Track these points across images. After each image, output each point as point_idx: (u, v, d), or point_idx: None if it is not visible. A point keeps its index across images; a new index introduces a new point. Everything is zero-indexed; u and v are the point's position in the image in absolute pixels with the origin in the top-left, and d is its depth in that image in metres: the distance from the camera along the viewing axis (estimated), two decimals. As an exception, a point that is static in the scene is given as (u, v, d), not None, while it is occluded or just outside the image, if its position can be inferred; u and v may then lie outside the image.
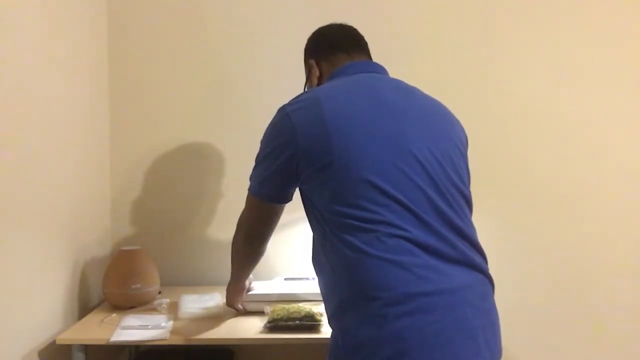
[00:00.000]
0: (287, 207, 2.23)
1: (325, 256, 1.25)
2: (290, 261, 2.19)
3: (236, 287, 1.74)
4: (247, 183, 1.44)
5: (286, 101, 1.35)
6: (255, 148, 1.40)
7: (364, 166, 1.20)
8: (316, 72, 1.52)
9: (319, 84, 1.50)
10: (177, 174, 2.24)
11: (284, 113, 1.32)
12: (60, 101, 1.81)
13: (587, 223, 2.23)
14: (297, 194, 2.33)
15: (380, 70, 1.46)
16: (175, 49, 2.22)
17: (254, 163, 1.41)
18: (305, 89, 1.58)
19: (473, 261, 1.21)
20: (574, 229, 2.22)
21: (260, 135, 1.40)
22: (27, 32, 1.60)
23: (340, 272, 1.19)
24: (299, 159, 1.27)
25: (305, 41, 1.59)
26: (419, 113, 1.30)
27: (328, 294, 1.26)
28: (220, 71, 2.22)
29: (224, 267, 2.21)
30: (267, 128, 1.37)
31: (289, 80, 2.15)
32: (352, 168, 1.20)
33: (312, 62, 1.53)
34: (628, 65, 2.22)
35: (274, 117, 1.36)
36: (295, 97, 1.35)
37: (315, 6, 2.19)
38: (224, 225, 2.23)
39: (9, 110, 1.50)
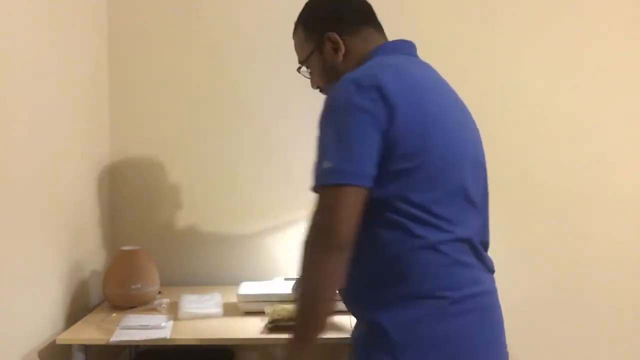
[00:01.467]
0: (286, 206, 2.25)
1: (377, 244, 1.14)
2: (291, 261, 2.18)
3: (309, 349, 1.14)
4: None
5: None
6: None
7: (453, 163, 1.16)
8: (342, 48, 1.30)
9: (344, 63, 1.30)
10: (177, 174, 2.23)
11: (367, 73, 1.14)
12: (60, 101, 1.81)
13: (588, 222, 2.22)
14: (297, 193, 2.31)
15: (416, 53, 1.33)
16: (175, 49, 2.22)
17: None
18: (302, 68, 1.40)
19: (490, 263, 1.27)
20: (575, 228, 2.22)
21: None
22: (27, 32, 1.60)
23: (401, 264, 1.13)
24: (394, 132, 1.10)
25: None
26: (467, 114, 1.29)
27: (370, 284, 1.16)
28: (220, 71, 2.22)
29: (224, 267, 2.22)
30: (339, 95, 1.14)
31: (289, 80, 2.14)
32: (444, 162, 1.15)
33: (334, 36, 1.30)
34: (632, 64, 2.21)
35: (351, 81, 1.14)
36: (364, 66, 1.20)
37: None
38: (224, 226, 2.23)
39: (9, 111, 1.50)
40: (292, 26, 1.37)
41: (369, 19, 1.33)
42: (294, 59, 1.39)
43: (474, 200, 1.20)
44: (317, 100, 2.16)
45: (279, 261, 2.20)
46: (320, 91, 1.40)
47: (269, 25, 2.20)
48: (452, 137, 1.18)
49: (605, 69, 2.21)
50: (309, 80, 1.42)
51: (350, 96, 1.12)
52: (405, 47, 1.31)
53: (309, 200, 2.13)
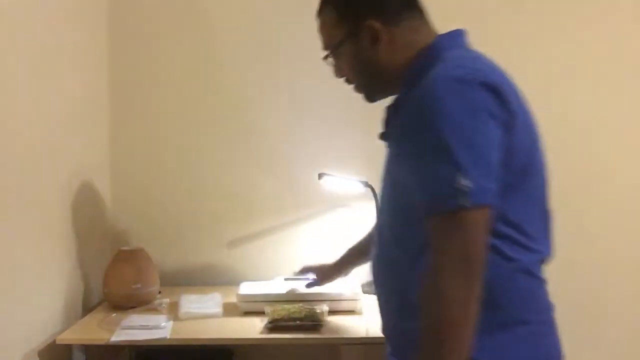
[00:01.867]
0: (287, 207, 2.26)
1: None
2: (290, 261, 2.18)
3: None
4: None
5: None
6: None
7: (544, 176, 1.09)
8: (383, 39, 1.09)
9: (386, 56, 1.11)
10: (177, 173, 2.23)
11: (473, 68, 0.99)
12: (60, 101, 1.81)
13: (589, 222, 2.22)
14: (297, 193, 2.30)
15: None
16: (175, 48, 2.22)
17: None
18: (332, 58, 1.19)
19: None
20: (576, 229, 2.21)
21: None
22: (27, 32, 1.60)
23: (495, 290, 0.98)
24: (514, 142, 0.97)
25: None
26: None
27: None
28: (220, 71, 2.21)
29: (224, 267, 2.22)
30: (451, 95, 0.94)
31: (289, 79, 2.15)
32: (541, 175, 1.07)
33: (375, 24, 1.09)
34: (633, 66, 2.21)
35: (458, 79, 0.96)
36: (451, 61, 1.02)
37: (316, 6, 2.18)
38: (224, 226, 2.22)
39: (9, 110, 1.50)
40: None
41: (414, 2, 1.13)
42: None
43: (549, 212, 1.12)
44: (318, 102, 2.17)
45: (279, 261, 2.19)
46: (347, 82, 1.23)
47: (269, 24, 2.20)
48: (541, 146, 1.08)
49: (604, 70, 2.21)
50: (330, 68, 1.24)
51: (468, 96, 0.94)
52: (467, 38, 1.13)
53: (308, 200, 2.15)
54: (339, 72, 1.21)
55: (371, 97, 1.22)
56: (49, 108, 1.72)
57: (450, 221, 0.91)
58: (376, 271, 1.18)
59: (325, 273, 1.76)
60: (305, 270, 1.82)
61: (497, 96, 0.95)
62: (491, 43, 2.20)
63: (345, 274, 1.75)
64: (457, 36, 1.12)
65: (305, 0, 2.17)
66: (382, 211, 1.18)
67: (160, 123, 2.23)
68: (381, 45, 1.10)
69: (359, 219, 2.17)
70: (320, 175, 2.01)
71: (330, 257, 1.78)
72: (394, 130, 1.12)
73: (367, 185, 2.02)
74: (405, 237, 1.06)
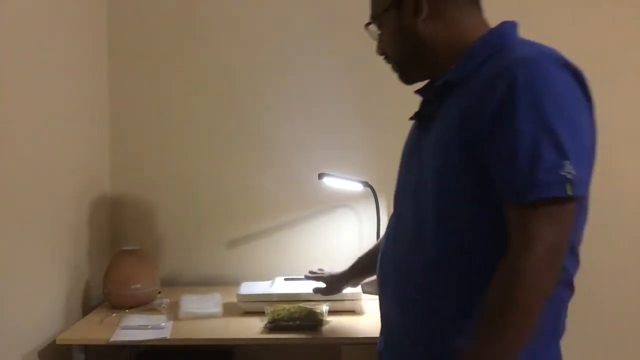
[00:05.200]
0: (286, 206, 2.26)
1: None
2: (290, 261, 2.18)
3: None
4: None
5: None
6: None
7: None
8: (424, 9, 1.03)
9: (431, 30, 1.05)
10: (177, 174, 2.23)
11: (563, 56, 0.93)
12: (60, 101, 1.81)
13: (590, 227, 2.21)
14: (297, 193, 2.30)
15: None
16: (175, 48, 2.22)
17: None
18: (371, 25, 1.14)
19: None
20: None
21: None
22: (27, 32, 1.60)
23: (554, 304, 0.95)
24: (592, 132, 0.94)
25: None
26: None
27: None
28: (220, 70, 2.22)
29: (224, 267, 2.22)
30: (556, 79, 0.89)
31: (289, 79, 2.15)
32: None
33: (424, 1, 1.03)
34: (633, 66, 2.21)
35: (561, 64, 0.91)
36: (538, 46, 0.96)
37: (315, 6, 2.19)
38: (224, 226, 2.23)
39: (9, 111, 1.50)
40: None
41: None
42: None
43: None
44: (319, 103, 2.16)
45: (279, 261, 2.20)
46: (385, 59, 1.15)
47: (269, 24, 2.20)
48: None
49: (604, 70, 2.21)
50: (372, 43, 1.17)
51: (569, 80, 0.90)
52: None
53: (308, 200, 2.15)
54: (379, 47, 1.15)
55: (406, 75, 1.13)
56: (49, 109, 1.72)
57: (549, 208, 0.84)
58: (390, 274, 1.10)
59: (333, 283, 1.65)
60: (313, 277, 1.71)
61: (587, 90, 0.93)
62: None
63: (355, 285, 1.65)
64: (515, 26, 1.05)
65: (305, 1, 2.19)
66: (405, 208, 1.08)
67: (160, 123, 2.23)
68: (423, 18, 1.03)
69: (359, 219, 2.18)
70: (320, 175, 2.01)
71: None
72: (446, 114, 1.00)
73: (367, 185, 2.02)
74: (445, 236, 0.97)
